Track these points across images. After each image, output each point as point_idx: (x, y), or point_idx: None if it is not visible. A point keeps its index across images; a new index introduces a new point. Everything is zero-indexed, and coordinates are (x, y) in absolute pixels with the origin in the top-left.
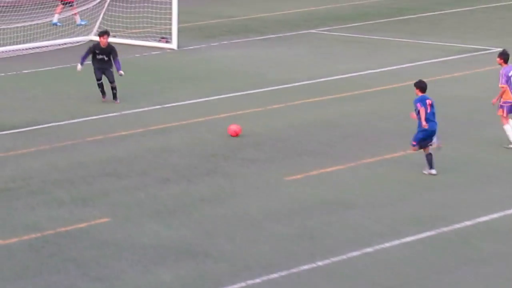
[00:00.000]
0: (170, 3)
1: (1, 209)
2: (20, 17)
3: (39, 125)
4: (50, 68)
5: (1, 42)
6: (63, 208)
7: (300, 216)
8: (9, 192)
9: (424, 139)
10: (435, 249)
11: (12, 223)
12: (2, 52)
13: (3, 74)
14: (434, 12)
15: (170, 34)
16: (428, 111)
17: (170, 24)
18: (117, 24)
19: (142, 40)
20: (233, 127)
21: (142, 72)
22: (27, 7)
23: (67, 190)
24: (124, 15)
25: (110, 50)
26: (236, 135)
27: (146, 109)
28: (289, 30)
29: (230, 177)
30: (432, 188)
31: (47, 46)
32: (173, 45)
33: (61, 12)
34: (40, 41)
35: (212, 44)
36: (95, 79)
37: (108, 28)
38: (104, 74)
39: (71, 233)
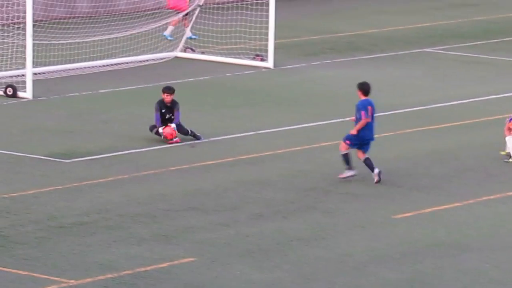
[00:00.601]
0: (266, 16)
1: (74, 246)
2: (97, 29)
3: (116, 151)
4: (130, 87)
5: (76, 57)
6: (143, 245)
7: (410, 259)
8: (83, 227)
9: (361, 144)
10: None
11: (85, 262)
12: (77, 69)
13: (77, 94)
14: None
15: (266, 51)
16: (369, 120)
17: (266, 39)
18: (206, 39)
19: (234, 57)
20: (168, 130)
21: (233, 93)
22: (105, 18)
23: (147, 225)
24: (214, 28)
25: (174, 106)
26: (171, 137)
27: (237, 135)
28: (400, 49)
29: (331, 214)
30: None
31: (127, 63)
32: (269, 63)
33: (187, 24)
34: (119, 57)
35: (313, 63)
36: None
37: (196, 43)
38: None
39: (151, 274)
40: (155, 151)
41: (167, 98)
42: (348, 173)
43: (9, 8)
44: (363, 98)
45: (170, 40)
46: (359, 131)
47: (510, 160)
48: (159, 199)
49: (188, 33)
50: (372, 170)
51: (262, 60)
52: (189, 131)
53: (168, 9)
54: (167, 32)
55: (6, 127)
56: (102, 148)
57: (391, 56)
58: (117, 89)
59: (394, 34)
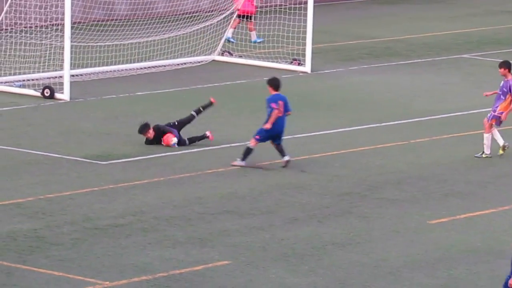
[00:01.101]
0: (304, 21)
1: (109, 248)
2: (135, 32)
3: (153, 154)
4: (167, 90)
5: (114, 60)
6: (178, 248)
7: (444, 265)
8: (118, 229)
9: (271, 136)
10: None
11: (120, 263)
12: (114, 71)
13: (114, 96)
14: None
15: (303, 55)
16: (280, 114)
17: (304, 44)
18: (244, 43)
19: (272, 61)
20: (168, 137)
21: None
22: (143, 21)
23: (182, 228)
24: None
25: (161, 133)
26: (168, 142)
27: None
28: (437, 55)
29: (366, 218)
30: None
31: (164, 66)
32: (306, 68)
33: (236, 26)
34: (156, 60)
35: (350, 68)
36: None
37: (234, 47)
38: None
39: (186, 276)
40: (191, 154)
41: (148, 135)
42: (240, 163)
43: (48, 10)
44: (273, 93)
45: (260, 42)
46: (271, 125)
47: (483, 155)
48: (195, 202)
49: (229, 35)
50: (283, 155)
51: (299, 64)
52: (198, 138)
53: (238, 14)
54: (252, 38)
55: (43, 128)
56: (138, 150)
57: (428, 62)
58: (154, 91)
59: (431, 40)
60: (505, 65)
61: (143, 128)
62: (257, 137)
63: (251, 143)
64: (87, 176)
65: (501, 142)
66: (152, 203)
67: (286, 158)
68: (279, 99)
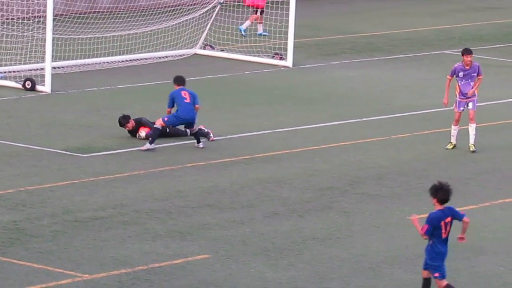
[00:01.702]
0: (287, 15)
1: (89, 240)
2: (117, 25)
3: (133, 147)
4: (148, 83)
5: (95, 52)
6: (158, 241)
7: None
8: (98, 222)
9: (180, 122)
10: None
11: (100, 256)
12: (96, 64)
13: (95, 89)
14: None
15: (285, 50)
16: (187, 100)
17: (286, 38)
18: (225, 37)
19: (253, 55)
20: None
21: (252, 91)
22: (125, 14)
23: (162, 221)
24: (234, 26)
25: (138, 124)
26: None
27: (254, 133)
28: (420, 50)
29: (346, 214)
30: None
31: (146, 59)
32: (288, 62)
33: (258, 21)
34: (138, 53)
35: (332, 63)
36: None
37: (216, 41)
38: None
39: (165, 270)
40: (172, 148)
41: (128, 126)
42: (149, 146)
43: (30, 2)
44: (177, 88)
45: (245, 36)
46: (179, 113)
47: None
48: (175, 195)
49: (260, 30)
50: (198, 141)
51: (281, 59)
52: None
53: (246, 6)
54: (243, 26)
55: (24, 120)
56: (119, 143)
57: (410, 57)
58: (136, 85)
59: (414, 35)
60: (471, 52)
61: (124, 119)
62: (166, 119)
63: (158, 123)
64: (68, 169)
65: (454, 140)
66: (132, 196)
67: (201, 145)
68: (182, 90)
